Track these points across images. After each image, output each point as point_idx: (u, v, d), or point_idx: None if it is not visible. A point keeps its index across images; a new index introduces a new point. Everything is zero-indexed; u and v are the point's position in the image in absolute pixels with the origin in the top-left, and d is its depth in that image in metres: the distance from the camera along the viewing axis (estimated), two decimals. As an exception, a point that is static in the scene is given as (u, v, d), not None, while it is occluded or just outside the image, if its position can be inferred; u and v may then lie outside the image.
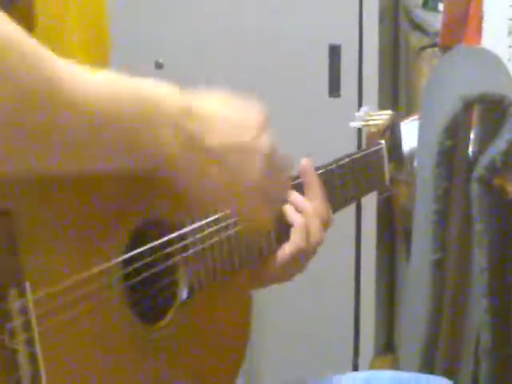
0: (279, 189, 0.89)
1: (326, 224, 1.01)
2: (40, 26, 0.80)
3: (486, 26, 1.90)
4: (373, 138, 1.23)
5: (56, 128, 0.69)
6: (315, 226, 0.99)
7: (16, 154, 0.69)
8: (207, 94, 0.83)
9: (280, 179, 0.88)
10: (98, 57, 0.96)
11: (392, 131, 1.25)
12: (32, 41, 0.67)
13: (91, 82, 0.71)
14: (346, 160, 1.13)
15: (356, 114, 1.41)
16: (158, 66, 2.21)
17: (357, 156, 1.16)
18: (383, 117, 1.30)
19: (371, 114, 1.35)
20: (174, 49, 2.25)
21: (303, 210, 0.99)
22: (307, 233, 0.99)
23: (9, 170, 0.69)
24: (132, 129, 0.75)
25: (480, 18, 1.90)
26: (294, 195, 0.99)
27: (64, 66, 0.69)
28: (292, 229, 0.99)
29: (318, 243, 0.99)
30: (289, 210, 0.98)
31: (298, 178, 1.02)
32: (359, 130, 2.14)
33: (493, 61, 1.68)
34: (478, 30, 1.91)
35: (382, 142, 1.21)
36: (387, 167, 1.22)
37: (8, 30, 0.65)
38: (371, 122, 1.29)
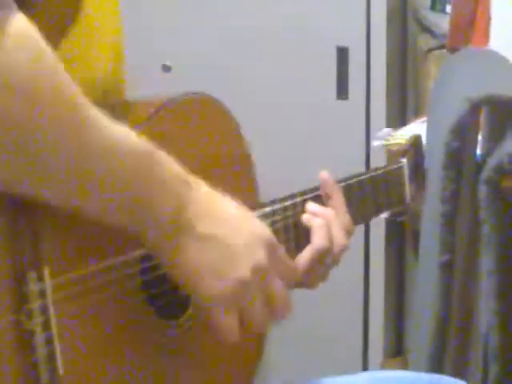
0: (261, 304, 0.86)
1: (348, 231, 0.99)
2: (69, 43, 0.83)
3: (494, 28, 1.89)
4: (394, 156, 1.21)
5: (70, 163, 0.71)
6: (337, 229, 0.97)
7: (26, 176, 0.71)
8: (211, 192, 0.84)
9: (273, 289, 0.86)
10: (116, 67, 0.98)
11: (414, 152, 1.23)
12: (66, 75, 0.70)
13: (117, 133, 0.74)
14: (366, 176, 1.12)
15: (377, 134, 1.43)
16: (166, 69, 2.20)
17: (377, 173, 1.15)
18: (405, 136, 1.29)
19: (393, 134, 1.36)
20: (181, 52, 2.23)
21: (322, 215, 0.98)
22: (327, 234, 0.97)
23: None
24: (130, 182, 0.77)
25: (488, 21, 1.90)
26: (312, 205, 0.98)
27: (90, 109, 0.72)
28: (312, 232, 0.97)
29: (342, 248, 0.97)
30: (307, 217, 0.97)
31: (315, 189, 1.01)
32: (367, 135, 2.19)
33: (500, 62, 1.66)
34: (486, 32, 1.90)
35: (404, 160, 1.19)
36: (408, 187, 1.20)
37: (52, 58, 0.69)
38: (392, 141, 1.28)
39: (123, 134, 0.76)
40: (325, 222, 0.97)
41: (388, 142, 1.28)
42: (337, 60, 2.23)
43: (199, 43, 2.23)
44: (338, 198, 1.00)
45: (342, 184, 1.05)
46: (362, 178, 1.10)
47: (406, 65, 2.61)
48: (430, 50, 2.23)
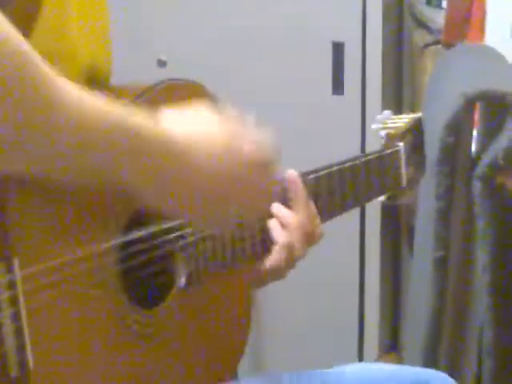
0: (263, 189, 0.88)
1: (310, 237, 1.01)
2: (44, 15, 0.83)
3: (489, 23, 1.93)
4: (391, 140, 1.22)
5: (47, 143, 0.70)
6: (298, 243, 0.99)
7: (12, 158, 0.70)
8: (176, 115, 0.84)
9: (264, 177, 0.88)
10: (99, 49, 0.98)
11: (414, 134, 1.25)
12: (34, 55, 0.68)
13: (81, 102, 0.73)
14: (361, 160, 1.14)
15: (377, 117, 1.37)
16: (161, 63, 2.18)
17: (372, 157, 1.17)
18: (405, 120, 1.30)
19: (393, 117, 1.35)
20: (176, 46, 2.22)
21: (288, 226, 1.00)
22: (289, 251, 0.99)
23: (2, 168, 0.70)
24: (111, 153, 0.77)
25: (483, 16, 1.94)
26: (279, 209, 0.99)
27: (60, 83, 0.70)
28: (274, 246, 0.99)
29: (299, 258, 1.01)
30: (274, 225, 0.99)
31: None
32: (363, 129, 2.18)
33: (495, 58, 1.71)
34: (481, 28, 1.95)
35: (400, 144, 1.21)
36: (404, 170, 1.22)
37: (11, 39, 0.66)
38: (391, 125, 1.28)
39: (95, 104, 0.76)
40: (287, 240, 0.99)
41: (386, 125, 1.29)
42: (332, 55, 2.20)
43: (195, 38, 2.22)
44: (302, 200, 1.02)
45: (334, 168, 1.07)
46: (356, 162, 1.12)
47: (402, 60, 2.57)
48: (426, 46, 2.24)
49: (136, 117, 0.79)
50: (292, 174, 1.02)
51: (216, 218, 0.88)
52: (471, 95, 1.45)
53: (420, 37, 2.32)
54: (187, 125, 0.85)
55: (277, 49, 2.24)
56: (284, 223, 1.00)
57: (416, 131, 1.26)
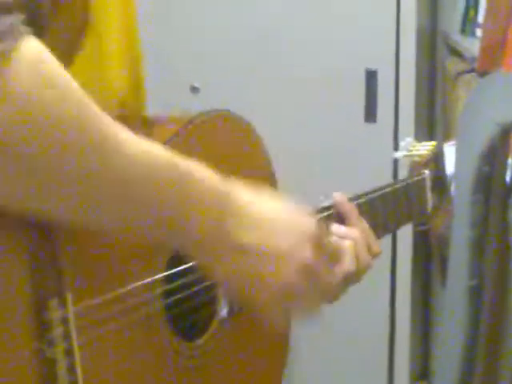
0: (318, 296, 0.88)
1: (371, 250, 1.00)
2: (86, 45, 0.85)
3: None
4: (416, 167, 1.22)
5: (94, 180, 0.71)
6: (363, 250, 0.98)
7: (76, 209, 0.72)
8: (256, 192, 0.84)
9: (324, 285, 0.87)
10: (135, 81, 0.99)
11: (436, 162, 1.24)
12: (92, 105, 0.69)
13: (140, 150, 0.73)
14: (389, 189, 1.13)
15: (400, 144, 1.40)
16: (194, 90, 2.22)
17: (399, 185, 1.16)
18: (427, 147, 1.29)
19: (415, 144, 1.34)
20: (209, 73, 2.25)
21: (348, 237, 0.99)
22: (356, 256, 0.98)
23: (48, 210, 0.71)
24: (164, 201, 0.76)
25: None
26: (335, 226, 0.98)
27: (112, 125, 0.71)
28: (341, 253, 0.98)
29: (367, 267, 0.99)
30: (335, 240, 0.98)
31: (330, 208, 1.02)
32: (395, 158, 2.15)
33: None
34: None
35: (426, 172, 1.20)
36: (430, 197, 1.21)
37: (66, 81, 0.68)
38: (415, 152, 1.28)
39: (152, 152, 0.76)
40: (353, 244, 0.97)
41: (411, 153, 1.29)
42: (366, 83, 2.23)
43: (228, 64, 2.25)
44: (356, 215, 1.01)
45: (364, 198, 1.06)
46: (385, 191, 1.11)
47: (435, 88, 2.61)
48: (460, 74, 2.23)
49: (193, 166, 0.78)
50: (338, 195, 1.02)
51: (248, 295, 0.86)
52: (507, 124, 1.40)
53: (453, 65, 2.33)
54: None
55: (311, 75, 2.26)
56: (345, 236, 0.99)
57: (438, 159, 1.26)
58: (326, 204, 1.02)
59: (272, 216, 0.84)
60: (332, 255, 0.91)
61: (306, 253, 0.83)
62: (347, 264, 0.96)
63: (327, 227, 0.98)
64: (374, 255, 1.01)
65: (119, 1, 0.97)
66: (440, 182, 1.25)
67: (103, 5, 0.89)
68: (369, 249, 0.99)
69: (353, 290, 1.15)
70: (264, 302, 0.84)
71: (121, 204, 0.74)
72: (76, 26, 0.84)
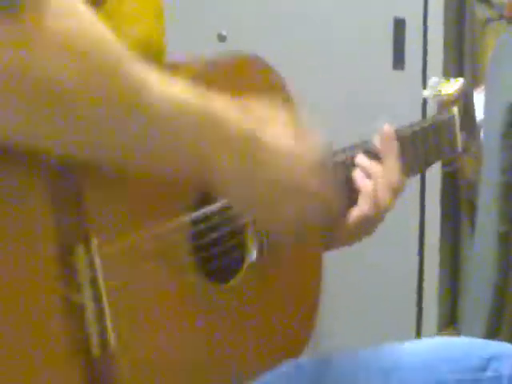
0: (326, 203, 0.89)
1: (396, 190, 1.01)
2: None
3: None
4: (445, 106, 1.20)
5: (131, 128, 0.73)
6: (383, 193, 0.99)
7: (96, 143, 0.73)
8: (271, 122, 0.86)
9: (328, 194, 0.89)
10: (153, 25, 0.98)
11: (464, 100, 1.22)
12: (125, 47, 0.71)
13: (168, 92, 0.75)
14: (418, 127, 1.14)
15: (428, 83, 1.38)
16: (221, 38, 2.21)
17: (428, 123, 1.17)
18: (455, 86, 1.27)
19: (443, 82, 1.32)
20: (237, 21, 2.24)
21: (373, 175, 1.01)
22: (375, 200, 1.00)
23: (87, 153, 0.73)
24: (196, 143, 0.78)
25: None
26: (364, 160, 1.00)
27: (149, 74, 0.74)
28: (360, 195, 1.00)
29: (387, 210, 1.00)
30: (358, 175, 1.00)
31: (370, 143, 1.03)
32: (424, 104, 2.16)
33: None
34: None
35: (455, 109, 1.19)
36: (459, 135, 1.21)
37: (105, 35, 0.70)
38: (443, 91, 1.26)
39: (181, 93, 0.78)
40: (373, 188, 1.00)
41: (437, 92, 1.29)
42: (394, 31, 2.20)
43: (255, 13, 2.25)
44: (393, 157, 1.02)
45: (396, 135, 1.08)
46: (415, 128, 1.13)
47: (464, 36, 2.50)
48: (489, 21, 2.23)
49: (219, 104, 0.80)
50: (388, 129, 1.03)
51: (282, 216, 0.89)
52: None
53: (482, 12, 2.30)
54: (266, 125, 0.86)
55: (338, 25, 2.25)
56: (368, 173, 1.01)
57: (465, 96, 1.25)
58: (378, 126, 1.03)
59: (288, 152, 0.86)
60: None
61: (313, 180, 0.86)
62: (364, 207, 1.00)
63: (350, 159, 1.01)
64: (396, 193, 1.03)
65: None
66: (469, 121, 1.25)
67: None
68: (392, 189, 1.01)
69: (381, 236, 1.17)
70: (288, 217, 0.87)
71: (153, 140, 0.76)
72: None
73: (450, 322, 2.47)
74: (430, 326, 2.30)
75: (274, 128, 0.86)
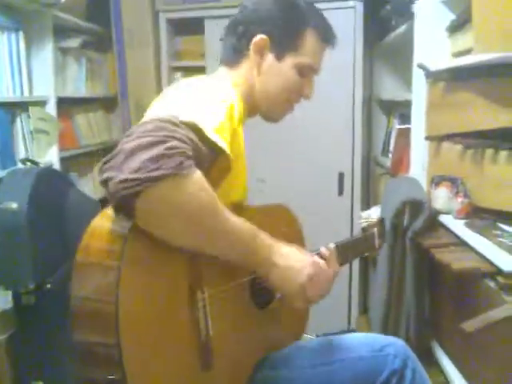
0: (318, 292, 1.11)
1: (334, 276, 1.20)
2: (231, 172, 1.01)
3: (412, 165, 2.30)
4: (370, 227, 1.44)
5: (220, 243, 0.95)
6: (323, 279, 1.15)
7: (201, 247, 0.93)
8: (283, 247, 1.06)
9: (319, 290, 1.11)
10: (246, 176, 1.17)
11: (380, 225, 1.49)
12: (219, 202, 0.90)
13: (237, 223, 0.95)
14: (355, 238, 1.36)
15: (361, 215, 1.91)
16: (261, 181, 2.78)
17: (360, 236, 1.39)
18: (374, 218, 1.70)
19: (366, 216, 1.90)
20: (270, 171, 2.87)
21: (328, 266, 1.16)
22: (333, 273, 1.18)
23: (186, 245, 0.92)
24: (250, 246, 1.00)
25: (408, 161, 2.32)
26: (318, 260, 1.16)
27: (228, 213, 0.93)
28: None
29: (334, 279, 1.19)
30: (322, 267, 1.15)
31: (320, 251, 1.19)
32: (351, 221, 2.81)
33: (415, 182, 2.17)
34: (408, 167, 2.36)
35: (375, 229, 1.43)
36: (377, 242, 1.44)
37: (209, 195, 0.89)
38: (370, 219, 1.69)
39: (241, 222, 0.97)
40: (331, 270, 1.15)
41: (365, 221, 1.67)
42: (338, 178, 2.89)
43: (282, 167, 2.87)
44: (334, 262, 1.19)
45: (340, 243, 1.25)
46: (354, 239, 1.34)
47: (370, 182, 3.31)
48: (381, 175, 2.93)
49: (261, 235, 1.01)
50: (331, 246, 1.21)
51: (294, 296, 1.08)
52: (405, 200, 1.89)
53: (379, 170, 3.02)
54: (289, 252, 1.07)
55: (307, 170, 2.85)
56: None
57: (381, 223, 1.49)
58: (318, 249, 1.19)
59: (294, 257, 1.08)
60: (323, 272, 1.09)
61: (311, 270, 1.07)
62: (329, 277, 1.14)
63: (319, 262, 1.12)
64: (334, 278, 1.17)
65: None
66: (382, 235, 1.48)
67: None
68: (334, 278, 1.17)
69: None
70: (292, 294, 1.09)
71: (232, 246, 0.97)
72: (222, 168, 1.00)
73: (364, 311, 3.20)
74: (354, 312, 3.02)
75: (288, 251, 1.07)
